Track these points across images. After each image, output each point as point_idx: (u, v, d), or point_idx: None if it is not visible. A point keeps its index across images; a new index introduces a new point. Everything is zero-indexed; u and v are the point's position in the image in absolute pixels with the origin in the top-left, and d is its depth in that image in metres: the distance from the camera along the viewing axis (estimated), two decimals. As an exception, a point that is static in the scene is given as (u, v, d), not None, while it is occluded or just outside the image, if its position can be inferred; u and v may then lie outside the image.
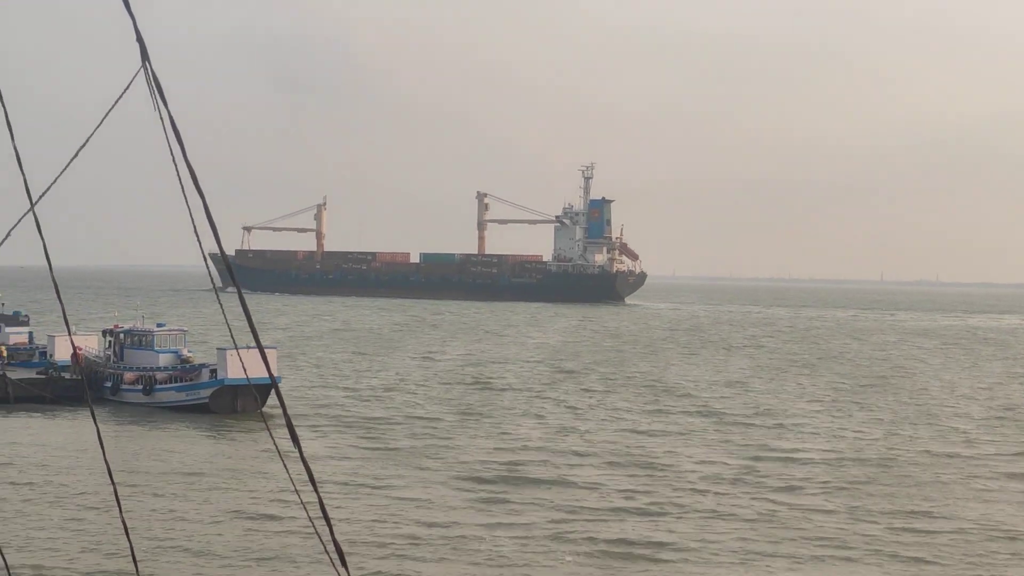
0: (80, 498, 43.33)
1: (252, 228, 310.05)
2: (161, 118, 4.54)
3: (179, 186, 5.69)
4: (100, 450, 6.68)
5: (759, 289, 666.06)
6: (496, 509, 43.25)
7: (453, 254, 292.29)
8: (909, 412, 74.95)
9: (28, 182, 6.02)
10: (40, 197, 6.28)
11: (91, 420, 61.67)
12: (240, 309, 6.20)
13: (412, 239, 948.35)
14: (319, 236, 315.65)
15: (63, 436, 58.63)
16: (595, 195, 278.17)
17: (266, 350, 5.21)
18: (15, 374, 73.28)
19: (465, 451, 56.00)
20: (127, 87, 5.42)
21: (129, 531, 6.90)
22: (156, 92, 4.56)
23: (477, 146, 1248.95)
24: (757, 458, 55.43)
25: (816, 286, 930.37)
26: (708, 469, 52.29)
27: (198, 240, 4.92)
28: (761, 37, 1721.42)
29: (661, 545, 38.36)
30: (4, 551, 7.56)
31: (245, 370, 65.61)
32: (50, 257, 6.33)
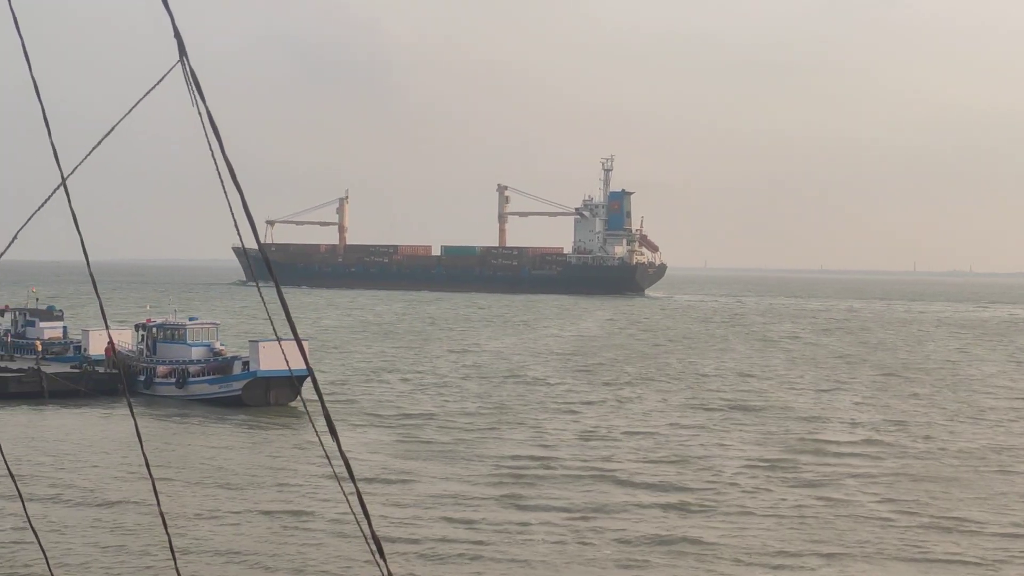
0: (116, 491, 43.52)
1: (275, 222, 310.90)
2: (200, 113, 4.56)
3: (217, 181, 5.71)
4: (137, 443, 6.69)
5: (793, 281, 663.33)
6: (532, 504, 42.94)
7: (474, 247, 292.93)
8: (951, 405, 73.75)
9: (65, 181, 6.04)
10: (70, 173, 6.30)
11: (124, 413, 62.07)
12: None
13: (434, 232, 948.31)
14: (342, 230, 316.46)
15: (98, 430, 58.93)
16: (616, 187, 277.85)
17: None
18: (49, 368, 73.73)
19: (502, 446, 55.55)
20: (161, 79, 5.43)
21: (167, 522, 6.92)
22: (194, 87, 4.58)
23: (498, 140, 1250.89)
24: (796, 452, 54.90)
25: (850, 277, 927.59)
26: (746, 465, 51.69)
27: (239, 235, 4.94)
28: (786, 38, 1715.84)
29: (699, 542, 37.94)
30: (44, 544, 7.60)
31: (284, 361, 65.94)
32: (87, 252, 6.35)
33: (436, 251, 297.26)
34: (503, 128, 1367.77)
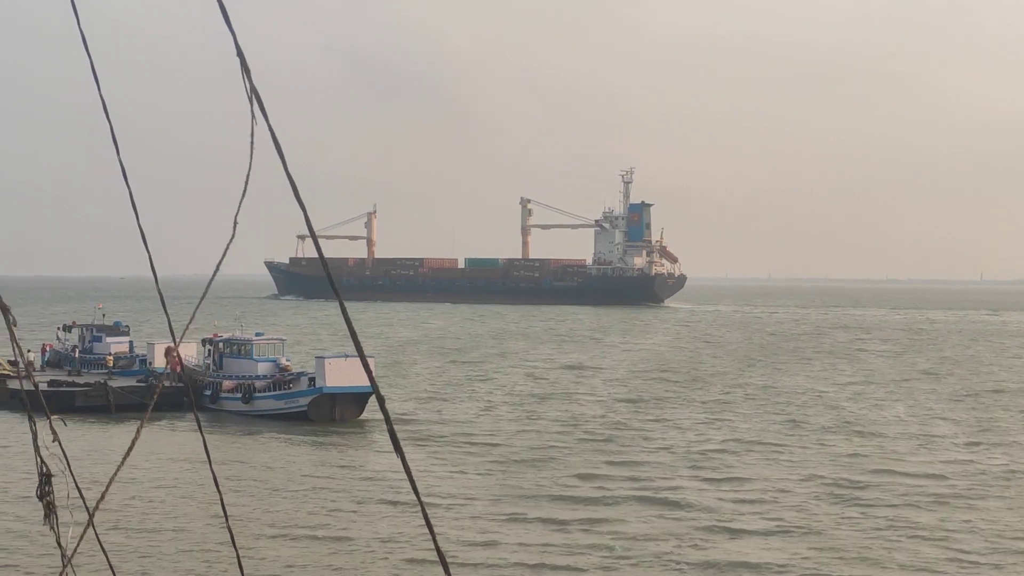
0: (184, 506, 43.81)
1: (306, 237, 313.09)
2: (271, 129, 4.58)
3: (252, 196, 5.74)
4: (203, 457, 6.71)
5: (859, 290, 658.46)
6: (601, 528, 41.75)
7: (497, 259, 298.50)
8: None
9: (133, 196, 6.07)
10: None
11: (190, 428, 62.54)
12: (344, 317, 6.22)
13: (459, 245, 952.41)
14: (370, 243, 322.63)
15: (164, 444, 59.30)
16: (641, 199, 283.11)
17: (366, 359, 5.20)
18: (115, 382, 74.49)
19: (571, 467, 53.62)
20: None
21: (235, 539, 6.93)
22: (257, 104, 4.59)
23: (521, 152, 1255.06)
24: (872, 474, 52.86)
25: (914, 286, 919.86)
26: (822, 485, 49.88)
27: (317, 248, 4.94)
28: (843, 43, 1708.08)
29: (781, 568, 37.59)
30: (111, 560, 7.64)
31: (350, 377, 66.27)
32: (155, 269, 6.38)
33: (461, 264, 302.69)
34: (527, 141, 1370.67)
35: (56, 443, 6.87)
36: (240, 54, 4.90)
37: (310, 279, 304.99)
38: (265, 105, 4.79)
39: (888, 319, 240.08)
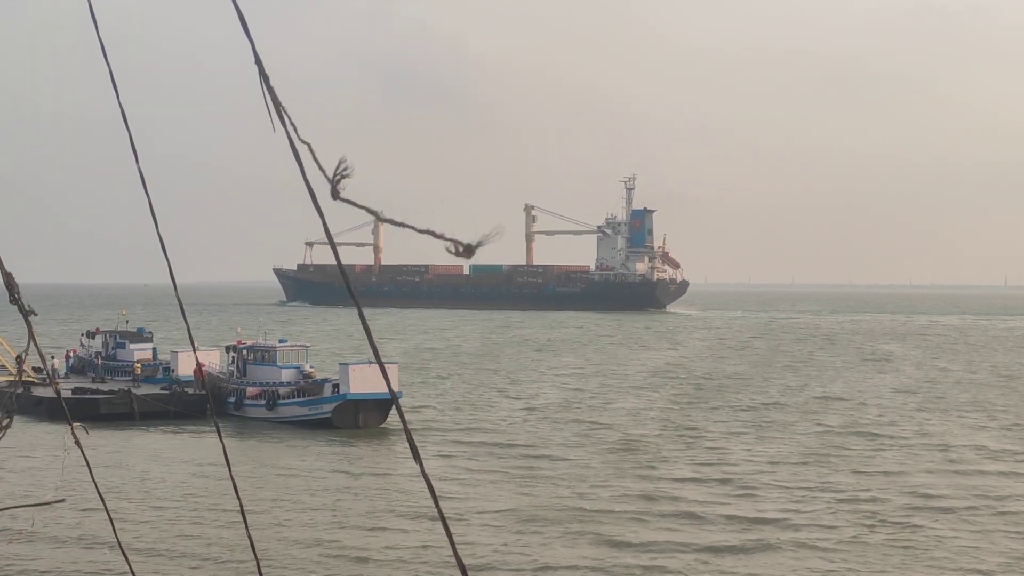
0: (206, 513, 43.89)
1: (314, 243, 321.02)
2: (289, 137, 4.61)
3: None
4: (225, 465, 6.74)
5: (883, 296, 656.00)
6: (628, 542, 40.96)
7: (501, 265, 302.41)
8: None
9: (152, 204, 6.11)
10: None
11: (215, 435, 62.23)
12: (363, 325, 6.23)
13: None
14: (376, 250, 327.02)
15: (188, 451, 59.49)
16: (643, 204, 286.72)
17: (387, 365, 5.22)
18: (139, 390, 74.71)
19: (595, 481, 51.97)
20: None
21: (255, 545, 6.97)
22: (277, 113, 4.62)
23: (526, 158, 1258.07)
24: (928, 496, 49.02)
25: (937, 291, 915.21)
26: (878, 504, 47.19)
27: (336, 258, 4.94)
28: (859, 52, 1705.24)
29: None
30: (132, 565, 7.67)
31: (375, 384, 66.24)
32: (175, 276, 6.42)
33: (466, 270, 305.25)
34: (531, 147, 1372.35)
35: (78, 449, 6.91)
36: (258, 62, 4.94)
37: (317, 285, 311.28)
38: (285, 113, 4.82)
39: (918, 323, 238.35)
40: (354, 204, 4.50)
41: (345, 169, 4.41)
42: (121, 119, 5.97)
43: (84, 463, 7.00)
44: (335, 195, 4.45)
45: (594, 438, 64.83)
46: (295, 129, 4.50)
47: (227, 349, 78.11)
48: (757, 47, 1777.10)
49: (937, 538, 41.01)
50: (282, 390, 71.31)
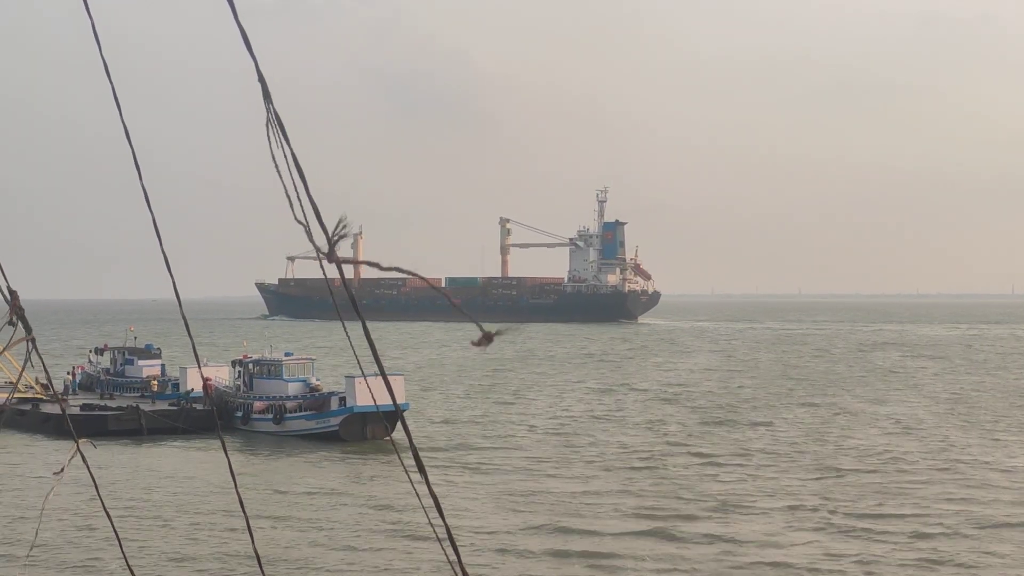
0: (212, 529, 43.84)
1: (295, 258, 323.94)
2: (285, 156, 4.62)
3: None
4: (232, 481, 6.76)
5: (890, 305, 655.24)
6: (636, 562, 39.96)
7: (476, 278, 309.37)
8: None
9: (156, 220, 6.13)
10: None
11: (222, 450, 62.19)
12: (366, 337, 6.25)
13: (442, 265, 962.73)
14: (355, 264, 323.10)
15: (196, 466, 59.45)
16: (612, 216, 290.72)
17: (393, 377, 5.21)
18: (148, 405, 74.77)
19: (607, 496, 50.99)
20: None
21: (262, 561, 6.98)
22: (279, 132, 4.64)
23: (501, 171, 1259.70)
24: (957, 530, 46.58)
25: (944, 300, 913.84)
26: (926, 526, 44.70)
27: (342, 276, 4.96)
28: (859, 62, 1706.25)
29: None
30: (140, 582, 7.70)
31: (382, 396, 66.07)
32: (179, 293, 6.44)
33: (442, 283, 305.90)
34: (506, 158, 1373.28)
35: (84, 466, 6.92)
36: (261, 79, 4.96)
37: (298, 299, 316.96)
38: (277, 122, 4.84)
39: (926, 333, 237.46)
40: (354, 262, 4.51)
41: (344, 228, 4.41)
42: (123, 132, 5.99)
43: (91, 480, 7.02)
44: (331, 258, 4.44)
45: (601, 451, 64.70)
46: (295, 160, 4.52)
47: (233, 364, 78.11)
48: (764, 56, 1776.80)
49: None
50: (289, 404, 71.29)
